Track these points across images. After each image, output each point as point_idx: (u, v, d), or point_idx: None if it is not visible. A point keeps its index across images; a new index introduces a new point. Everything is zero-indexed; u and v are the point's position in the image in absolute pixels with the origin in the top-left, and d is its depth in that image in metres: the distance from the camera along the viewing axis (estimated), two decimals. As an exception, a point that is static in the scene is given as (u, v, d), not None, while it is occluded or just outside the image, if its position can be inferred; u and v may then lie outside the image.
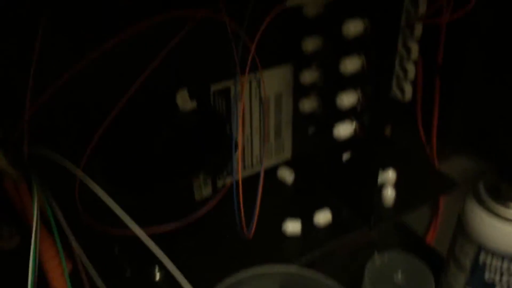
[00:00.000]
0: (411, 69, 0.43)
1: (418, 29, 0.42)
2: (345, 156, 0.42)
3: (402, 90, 0.44)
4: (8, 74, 0.32)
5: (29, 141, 0.32)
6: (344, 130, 0.40)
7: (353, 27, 0.35)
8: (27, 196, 0.31)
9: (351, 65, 0.37)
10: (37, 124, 0.32)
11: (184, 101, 0.38)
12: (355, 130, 0.40)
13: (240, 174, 0.35)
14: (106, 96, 0.35)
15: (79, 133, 0.34)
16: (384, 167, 0.46)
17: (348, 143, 0.41)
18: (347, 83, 0.39)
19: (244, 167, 0.47)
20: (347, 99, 0.38)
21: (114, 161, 0.35)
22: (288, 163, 0.49)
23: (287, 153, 0.49)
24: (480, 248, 0.39)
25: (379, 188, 0.45)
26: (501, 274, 0.40)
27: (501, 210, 0.38)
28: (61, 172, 0.31)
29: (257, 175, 0.42)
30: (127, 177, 0.36)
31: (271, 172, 0.49)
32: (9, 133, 0.32)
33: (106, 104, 0.34)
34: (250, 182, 0.40)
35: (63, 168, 0.31)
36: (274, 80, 0.44)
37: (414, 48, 0.43)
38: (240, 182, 0.38)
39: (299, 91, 0.44)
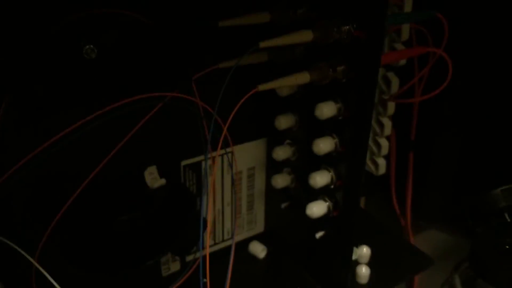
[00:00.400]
0: (384, 144, 0.43)
1: (391, 106, 0.42)
2: (318, 234, 0.41)
3: (376, 164, 0.44)
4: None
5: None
6: (317, 209, 0.39)
7: (326, 110, 0.35)
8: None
9: (324, 145, 0.36)
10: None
11: (153, 178, 0.37)
12: (328, 209, 0.39)
13: (208, 251, 0.34)
14: (71, 175, 0.33)
15: (41, 212, 0.33)
16: (358, 244, 0.45)
17: (321, 220, 0.40)
18: (320, 162, 0.38)
19: (214, 241, 0.45)
20: (320, 179, 0.37)
21: (76, 242, 0.33)
22: (261, 236, 0.48)
23: (259, 227, 0.48)
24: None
25: (354, 266, 0.44)
26: None
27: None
28: (17, 258, 0.29)
29: (228, 249, 0.41)
30: (90, 259, 0.34)
31: (243, 245, 0.47)
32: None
33: (70, 182, 0.33)
34: (221, 255, 0.39)
35: (20, 255, 0.29)
36: (247, 154, 0.43)
37: (387, 125, 0.43)
38: (208, 261, 0.36)
39: (272, 166, 0.43)
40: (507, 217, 0.41)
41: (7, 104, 0.29)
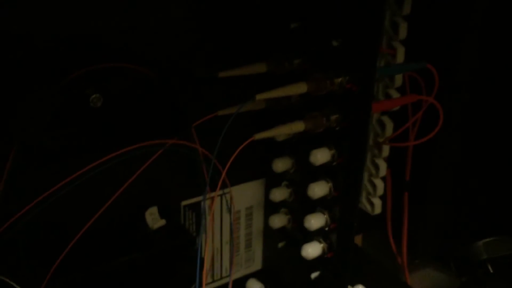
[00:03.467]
0: (379, 185, 0.45)
1: (386, 149, 0.44)
2: (314, 274, 0.42)
3: (371, 204, 0.45)
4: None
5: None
6: (312, 250, 0.40)
7: (320, 156, 0.36)
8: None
9: (318, 190, 0.37)
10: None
11: (153, 219, 0.38)
12: (323, 250, 0.40)
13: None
14: (75, 217, 0.35)
15: (43, 256, 0.34)
16: (354, 283, 0.45)
17: (317, 261, 0.41)
18: (316, 205, 0.39)
19: (213, 278, 0.46)
20: (315, 222, 0.38)
21: (77, 285, 0.35)
22: (258, 274, 0.49)
23: (257, 264, 0.49)
24: None
25: (349, 305, 0.45)
26: None
27: None
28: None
29: (226, 286, 0.42)
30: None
31: (241, 282, 0.48)
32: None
33: (72, 227, 0.34)
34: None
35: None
36: (246, 194, 0.45)
37: (382, 166, 0.44)
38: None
39: (270, 206, 0.45)
40: (490, 268, 0.42)
41: (16, 153, 0.31)
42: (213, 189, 0.37)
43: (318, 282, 0.42)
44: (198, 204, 0.42)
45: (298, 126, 0.35)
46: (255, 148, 0.42)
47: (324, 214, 0.39)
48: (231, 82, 0.36)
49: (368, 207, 0.46)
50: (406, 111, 0.44)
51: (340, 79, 0.34)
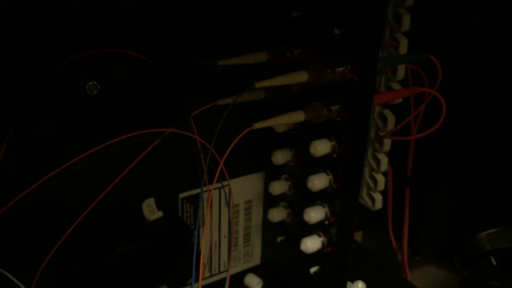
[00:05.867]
0: (380, 179, 0.44)
1: (387, 143, 0.43)
2: (313, 269, 0.41)
3: (372, 199, 0.45)
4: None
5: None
6: (311, 244, 0.39)
7: (321, 148, 0.35)
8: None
9: (318, 182, 0.37)
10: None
11: (150, 210, 0.38)
12: (322, 244, 0.40)
13: (200, 285, 0.34)
14: (70, 206, 0.34)
15: (37, 246, 0.33)
16: (354, 278, 0.45)
17: (316, 255, 0.41)
18: (315, 198, 0.39)
19: (211, 272, 0.45)
20: (314, 215, 0.38)
21: (72, 274, 0.34)
22: (257, 269, 0.48)
23: (256, 259, 0.48)
24: None
25: (348, 301, 0.44)
26: None
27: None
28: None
29: (224, 280, 0.41)
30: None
31: (239, 277, 0.47)
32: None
33: (70, 214, 0.34)
34: (217, 287, 0.39)
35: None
36: (245, 188, 0.44)
37: (384, 161, 0.43)
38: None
39: (269, 199, 0.44)
40: (493, 261, 0.41)
41: (10, 137, 0.30)
42: (212, 181, 0.37)
43: (317, 277, 0.42)
44: (196, 196, 0.41)
45: (298, 116, 0.34)
46: (254, 141, 0.42)
47: (324, 207, 0.39)
48: (230, 71, 0.36)
49: (369, 203, 0.45)
50: (408, 105, 0.43)
51: (341, 68, 0.33)
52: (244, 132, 0.32)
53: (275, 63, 0.37)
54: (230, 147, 0.33)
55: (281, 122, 0.34)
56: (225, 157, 0.34)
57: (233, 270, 0.47)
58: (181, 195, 0.41)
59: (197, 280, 0.34)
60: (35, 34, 0.31)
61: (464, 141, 0.46)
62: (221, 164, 0.34)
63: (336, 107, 0.35)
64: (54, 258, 0.33)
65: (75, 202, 0.34)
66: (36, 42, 0.31)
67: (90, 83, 0.33)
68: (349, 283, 0.42)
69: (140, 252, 0.36)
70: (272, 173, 0.43)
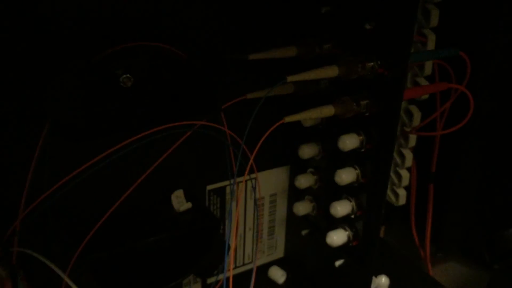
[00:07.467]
0: (405, 175, 0.44)
1: (413, 139, 0.43)
2: (338, 262, 0.42)
3: (396, 195, 0.45)
4: (4, 175, 0.33)
5: (20, 241, 0.32)
6: (337, 238, 0.39)
7: (349, 142, 0.36)
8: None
9: (346, 176, 0.37)
10: (29, 224, 0.32)
11: (179, 201, 0.38)
12: (348, 238, 0.40)
13: (231, 275, 0.35)
14: (104, 196, 0.35)
15: (71, 234, 0.34)
16: (377, 273, 0.45)
17: (341, 248, 0.41)
18: (342, 192, 0.39)
19: (235, 264, 0.46)
20: (341, 209, 0.38)
21: (104, 263, 0.35)
22: (280, 262, 0.49)
23: (279, 252, 0.49)
24: None
25: (371, 295, 0.44)
26: None
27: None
28: (48, 275, 0.31)
29: (248, 273, 0.42)
30: (117, 279, 0.35)
31: (263, 270, 0.48)
32: (1, 232, 0.32)
33: (100, 207, 0.35)
34: (241, 279, 0.40)
35: (51, 271, 0.31)
36: (270, 181, 0.44)
37: (408, 156, 0.43)
38: (231, 283, 0.37)
39: (294, 193, 0.44)
40: None
41: (48, 129, 0.31)
42: (239, 174, 0.37)
43: (342, 270, 0.42)
44: (223, 189, 0.42)
45: (328, 110, 0.34)
46: (280, 135, 0.42)
47: (350, 201, 0.39)
48: (260, 65, 0.36)
49: (393, 198, 0.45)
50: (434, 102, 0.43)
51: (372, 64, 0.34)
52: (275, 125, 0.33)
53: (304, 57, 0.37)
54: (261, 141, 0.33)
55: (311, 116, 0.34)
56: (254, 153, 0.34)
57: (257, 263, 0.47)
58: (209, 187, 0.41)
59: (226, 270, 0.34)
60: (71, 26, 0.31)
61: (489, 139, 0.46)
62: (251, 160, 0.35)
63: (365, 102, 0.35)
64: (87, 246, 0.34)
65: (108, 193, 0.35)
66: (72, 34, 0.32)
67: (124, 76, 0.33)
68: (373, 277, 0.43)
69: (169, 242, 0.37)
70: (297, 167, 0.44)
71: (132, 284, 0.36)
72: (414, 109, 0.42)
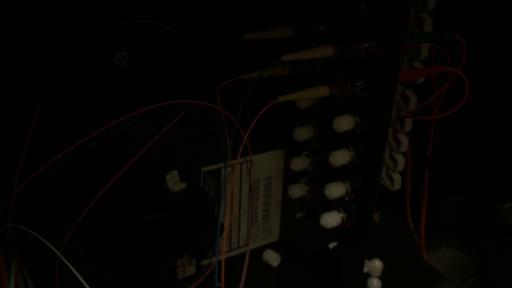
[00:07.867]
0: (400, 160, 0.44)
1: (408, 123, 0.43)
2: (332, 244, 0.42)
3: (391, 179, 0.45)
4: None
5: (13, 217, 0.32)
6: (331, 219, 0.40)
7: (344, 123, 0.36)
8: (4, 271, 0.31)
9: (340, 158, 0.37)
10: (23, 200, 0.32)
11: (174, 182, 0.38)
12: (342, 220, 0.40)
13: (224, 257, 0.35)
14: (97, 174, 0.35)
15: (66, 211, 0.34)
16: (371, 257, 0.45)
17: (335, 231, 0.41)
18: (336, 174, 0.39)
19: (230, 247, 0.46)
20: (335, 190, 0.38)
21: (98, 241, 0.35)
22: (275, 245, 0.49)
23: (274, 235, 0.49)
24: None
25: (365, 278, 0.45)
26: None
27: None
28: (42, 251, 0.31)
29: (243, 256, 0.42)
30: (111, 257, 0.35)
31: (258, 253, 0.48)
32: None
33: (94, 185, 0.35)
34: (236, 262, 0.40)
35: (45, 247, 0.31)
36: (265, 164, 0.45)
37: (404, 141, 0.43)
38: (224, 265, 0.38)
39: (289, 176, 0.45)
40: None
41: (43, 104, 0.31)
42: (234, 156, 0.37)
43: (335, 253, 0.42)
44: (218, 171, 0.42)
45: (323, 91, 0.34)
46: (275, 118, 0.42)
47: (344, 183, 0.39)
48: (256, 45, 0.36)
49: (388, 183, 0.45)
50: (430, 86, 0.43)
51: (367, 44, 0.34)
52: (269, 105, 0.33)
53: (300, 38, 0.37)
54: (255, 120, 0.33)
55: (306, 96, 0.34)
56: (249, 131, 0.34)
57: (252, 246, 0.47)
58: (204, 169, 0.41)
59: (219, 253, 0.35)
60: (65, 4, 0.31)
61: (485, 123, 0.46)
62: (245, 139, 0.35)
63: (360, 83, 0.35)
64: (81, 225, 0.34)
65: (102, 171, 0.35)
66: (66, 12, 0.31)
67: (119, 54, 0.33)
68: (366, 261, 0.43)
69: (164, 222, 0.37)
70: (293, 150, 0.44)
71: (125, 262, 0.36)
72: (410, 93, 0.42)
